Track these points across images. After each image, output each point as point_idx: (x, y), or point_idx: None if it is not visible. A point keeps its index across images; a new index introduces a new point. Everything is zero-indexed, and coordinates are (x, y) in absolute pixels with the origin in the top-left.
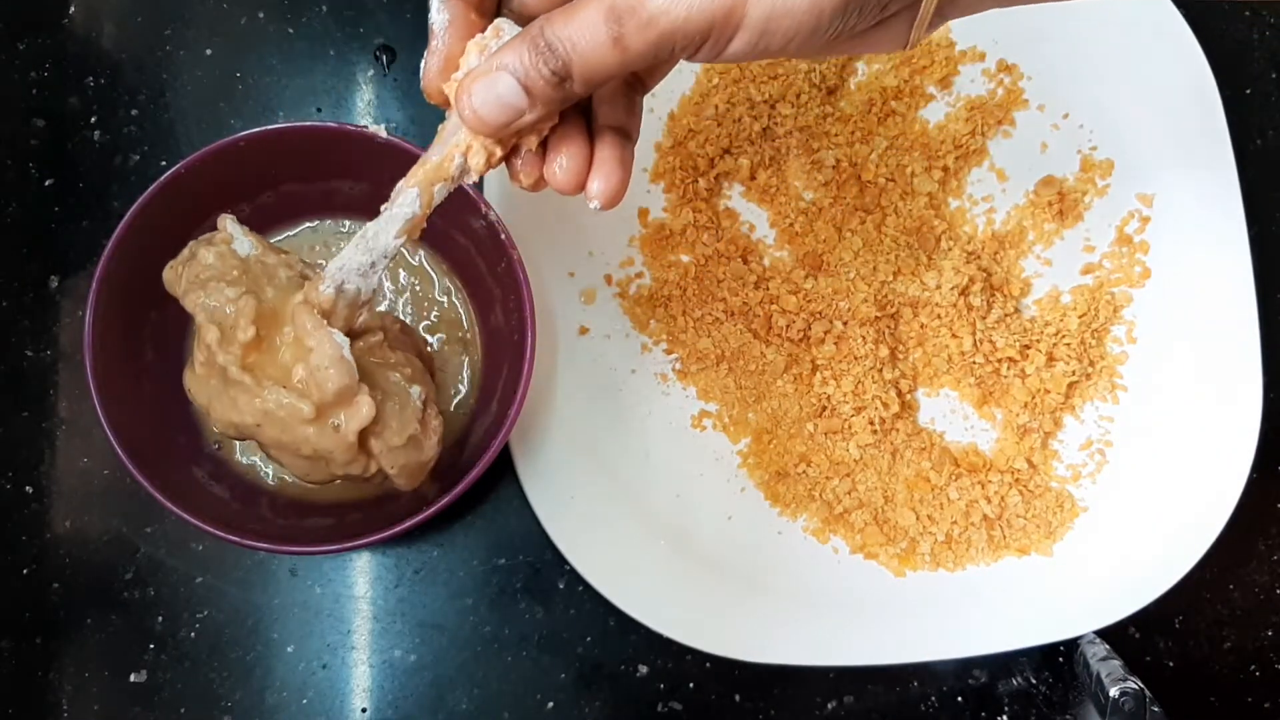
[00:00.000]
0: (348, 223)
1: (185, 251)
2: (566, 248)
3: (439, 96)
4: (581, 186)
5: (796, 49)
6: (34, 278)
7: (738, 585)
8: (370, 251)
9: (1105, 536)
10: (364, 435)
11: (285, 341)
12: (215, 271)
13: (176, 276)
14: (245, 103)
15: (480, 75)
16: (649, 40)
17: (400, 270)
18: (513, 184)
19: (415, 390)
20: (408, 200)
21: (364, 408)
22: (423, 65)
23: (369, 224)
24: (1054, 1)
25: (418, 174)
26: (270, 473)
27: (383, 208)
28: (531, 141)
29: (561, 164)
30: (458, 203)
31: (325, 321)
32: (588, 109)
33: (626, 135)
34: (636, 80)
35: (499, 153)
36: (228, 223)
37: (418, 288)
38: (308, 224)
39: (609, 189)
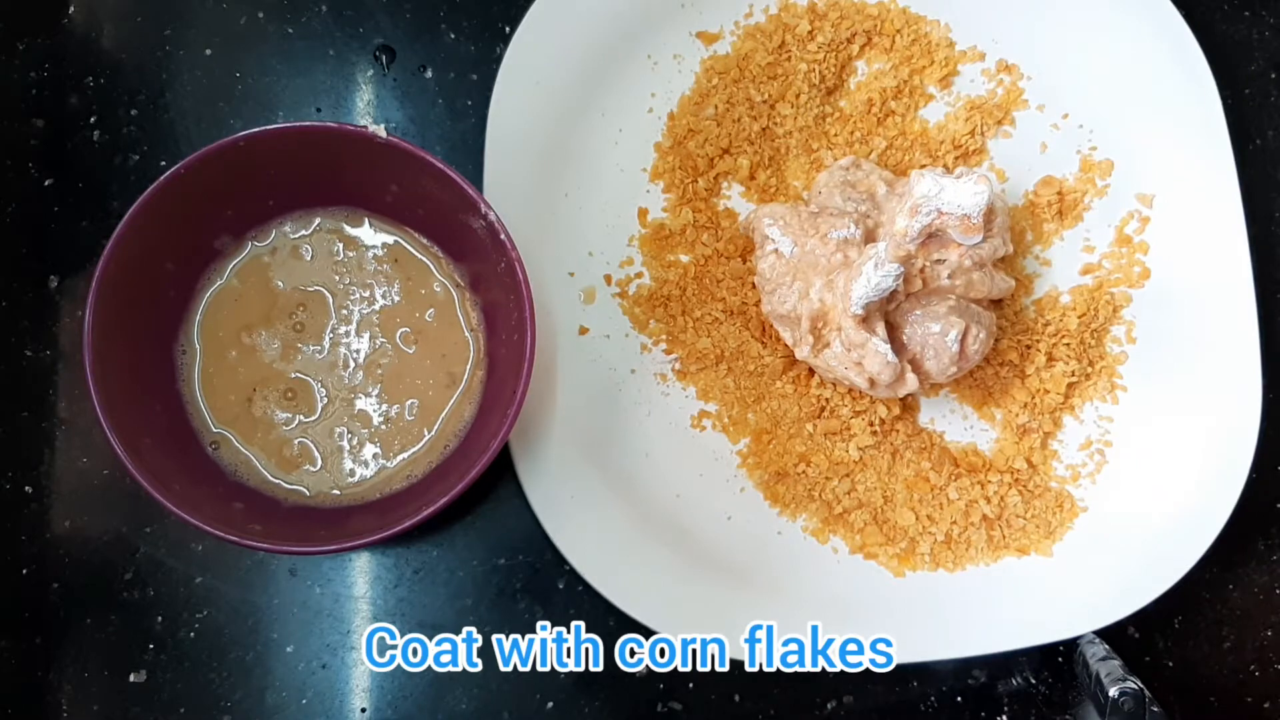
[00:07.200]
0: (346, 225)
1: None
2: (566, 248)
3: None
4: None
5: None
6: (34, 278)
7: (738, 585)
8: (880, 291)
9: (1105, 536)
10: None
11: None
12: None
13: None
14: (245, 103)
15: None
16: None
17: (399, 269)
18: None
19: (953, 334)
20: (891, 273)
21: (910, 384)
22: None
23: (870, 255)
24: None
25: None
26: (267, 473)
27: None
28: None
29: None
30: (457, 202)
31: (871, 333)
32: None
33: None
34: None
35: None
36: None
37: (416, 286)
38: (308, 223)
39: None
